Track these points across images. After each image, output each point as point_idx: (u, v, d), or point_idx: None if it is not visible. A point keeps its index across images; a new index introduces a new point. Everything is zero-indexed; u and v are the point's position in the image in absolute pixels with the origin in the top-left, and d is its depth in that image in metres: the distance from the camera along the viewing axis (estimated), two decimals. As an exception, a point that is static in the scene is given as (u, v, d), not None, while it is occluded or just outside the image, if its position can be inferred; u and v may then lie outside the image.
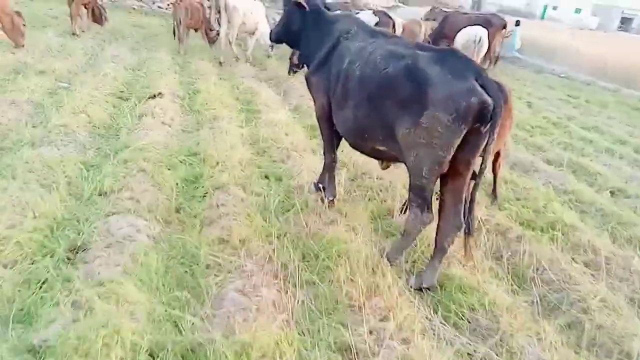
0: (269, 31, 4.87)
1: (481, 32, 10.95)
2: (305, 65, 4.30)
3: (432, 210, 3.26)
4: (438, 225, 3.29)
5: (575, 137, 8.11)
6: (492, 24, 12.66)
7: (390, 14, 11.23)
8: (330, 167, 4.19)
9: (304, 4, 3.88)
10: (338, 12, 4.44)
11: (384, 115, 3.22)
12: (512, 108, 4.48)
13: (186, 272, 3.08)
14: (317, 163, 4.84)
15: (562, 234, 4.20)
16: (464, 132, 2.90)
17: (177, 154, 4.84)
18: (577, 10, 51.86)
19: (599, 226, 4.65)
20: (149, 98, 6.44)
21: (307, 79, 4.11)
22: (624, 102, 12.06)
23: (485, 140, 2.94)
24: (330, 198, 4.15)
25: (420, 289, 3.25)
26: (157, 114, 5.84)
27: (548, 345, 2.79)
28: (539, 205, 4.81)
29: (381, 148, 3.44)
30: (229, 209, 3.82)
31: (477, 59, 11.13)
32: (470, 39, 11.06)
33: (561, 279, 3.51)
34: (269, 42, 10.69)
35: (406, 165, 3.26)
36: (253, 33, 10.55)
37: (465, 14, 14.72)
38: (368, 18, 9.53)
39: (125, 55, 9.08)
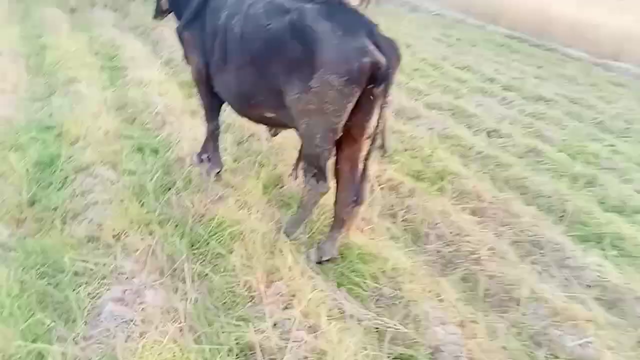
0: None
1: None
2: (174, 14, 3.70)
3: (328, 178, 3.06)
4: (336, 194, 3.12)
5: (450, 77, 8.41)
6: None
7: None
8: (213, 135, 3.74)
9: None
10: None
11: (269, 79, 2.88)
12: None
13: (49, 285, 2.57)
14: (198, 129, 4.36)
15: (450, 184, 4.31)
16: (357, 95, 2.66)
17: (24, 131, 4.04)
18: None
19: (480, 170, 4.87)
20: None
21: (178, 35, 3.54)
22: (491, 40, 12.82)
23: (380, 103, 2.72)
24: (217, 170, 3.76)
25: (320, 262, 3.10)
26: (-7, 79, 4.84)
27: (449, 306, 2.84)
28: (426, 154, 4.90)
29: (269, 115, 3.13)
30: (97, 196, 3.27)
31: (354, -2, 10.96)
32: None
33: (453, 231, 3.60)
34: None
35: (298, 133, 2.99)
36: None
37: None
38: None
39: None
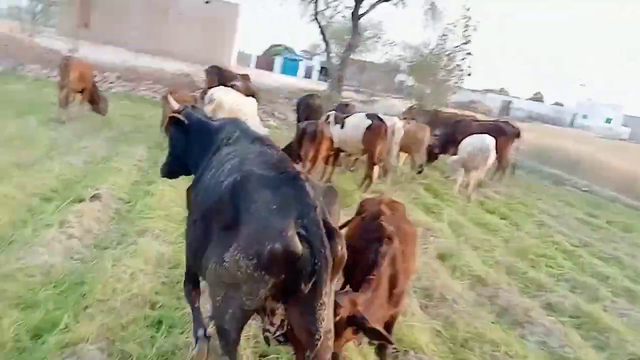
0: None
1: (488, 140, 10.08)
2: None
3: None
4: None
5: (588, 271, 6.79)
6: (504, 132, 11.91)
7: (384, 116, 10.46)
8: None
9: (182, 117, 3.07)
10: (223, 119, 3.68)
11: (209, 237, 2.55)
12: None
13: None
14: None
15: None
16: (271, 283, 2.23)
17: (49, 286, 3.85)
18: (608, 120, 51.50)
19: None
20: (80, 201, 5.67)
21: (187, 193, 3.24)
22: (653, 226, 10.67)
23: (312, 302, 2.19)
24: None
25: None
26: (71, 223, 4.99)
27: None
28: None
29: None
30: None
31: (484, 168, 10.21)
32: (476, 148, 10.18)
33: None
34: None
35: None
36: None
37: (477, 121, 14.02)
38: (358, 121, 8.82)
39: (97, 147, 8.54)
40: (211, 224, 2.53)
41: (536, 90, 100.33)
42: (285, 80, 31.15)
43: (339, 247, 2.26)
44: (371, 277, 2.82)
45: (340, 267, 2.37)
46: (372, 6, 24.39)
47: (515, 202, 10.88)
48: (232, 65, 29.71)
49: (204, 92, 10.82)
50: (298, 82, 32.85)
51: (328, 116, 8.75)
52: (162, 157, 8.36)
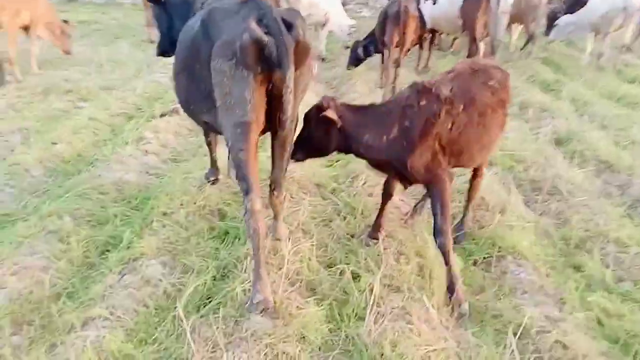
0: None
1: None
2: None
3: (253, 190, 2.62)
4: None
5: None
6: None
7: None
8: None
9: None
10: None
11: (196, 80, 2.79)
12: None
13: None
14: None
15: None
16: (251, 79, 2.47)
17: (124, 200, 3.84)
18: None
19: None
20: (161, 115, 5.64)
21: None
22: None
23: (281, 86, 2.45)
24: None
25: None
26: (148, 139, 4.96)
27: None
28: None
29: (206, 119, 3.00)
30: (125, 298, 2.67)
31: (629, 34, 8.33)
32: (615, 6, 8.16)
33: None
34: (346, 33, 9.33)
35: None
36: (324, 25, 9.20)
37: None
38: None
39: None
40: (194, 64, 2.75)
41: None
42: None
43: (300, 33, 2.48)
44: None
45: (305, 53, 2.63)
46: None
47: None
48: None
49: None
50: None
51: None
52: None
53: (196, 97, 2.88)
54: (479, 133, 2.89)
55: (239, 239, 3.39)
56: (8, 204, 3.78)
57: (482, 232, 3.41)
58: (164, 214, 3.61)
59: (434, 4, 7.62)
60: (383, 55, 6.88)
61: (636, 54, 9.80)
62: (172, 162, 4.78)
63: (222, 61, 2.46)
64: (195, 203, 3.76)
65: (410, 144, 2.72)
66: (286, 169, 3.13)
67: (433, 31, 8.10)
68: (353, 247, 3.29)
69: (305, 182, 4.18)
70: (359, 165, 4.33)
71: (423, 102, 2.77)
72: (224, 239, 3.47)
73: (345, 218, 3.69)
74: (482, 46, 7.75)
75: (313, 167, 4.46)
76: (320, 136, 2.91)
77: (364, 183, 4.08)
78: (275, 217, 3.26)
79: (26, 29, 7.02)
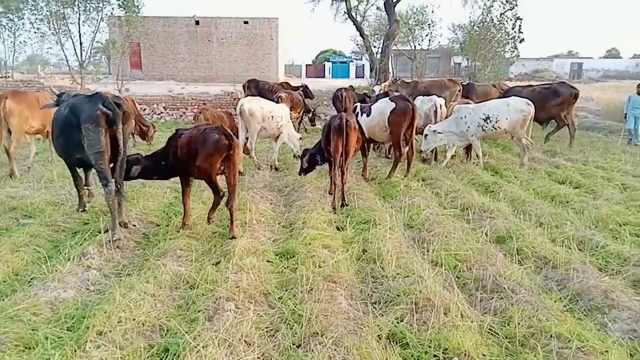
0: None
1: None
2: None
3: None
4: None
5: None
6: (559, 94, 10.87)
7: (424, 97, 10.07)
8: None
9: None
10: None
11: (72, 135, 5.34)
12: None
13: None
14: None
15: None
16: (104, 133, 5.12)
17: (58, 321, 3.62)
18: None
19: None
20: (105, 231, 5.54)
21: None
22: None
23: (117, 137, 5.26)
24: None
25: None
26: (91, 255, 4.82)
27: None
28: None
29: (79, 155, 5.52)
30: None
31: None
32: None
33: None
34: (296, 144, 9.82)
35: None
36: (277, 137, 9.70)
37: (530, 86, 12.92)
38: (383, 106, 8.31)
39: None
40: (68, 129, 5.37)
41: (610, 46, 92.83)
42: (336, 84, 30.75)
43: (124, 108, 5.28)
44: None
45: (127, 117, 5.51)
46: (406, -8, 23.47)
47: (591, 167, 9.65)
48: (281, 79, 29.84)
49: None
50: (349, 83, 32.33)
51: (355, 107, 8.20)
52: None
53: (71, 145, 5.43)
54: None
55: (179, 356, 3.22)
56: None
57: (427, 334, 3.39)
58: (100, 333, 3.41)
59: (367, 116, 8.35)
60: (330, 163, 7.24)
61: (564, 156, 10.73)
62: (115, 277, 4.63)
63: (89, 124, 5.04)
64: (134, 319, 3.59)
65: None
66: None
67: (371, 140, 8.75)
68: (299, 359, 3.18)
69: (252, 291, 4.12)
70: (305, 271, 4.35)
71: None
72: (164, 356, 3.29)
73: (291, 327, 3.60)
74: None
75: (262, 275, 4.44)
76: None
77: (310, 289, 4.06)
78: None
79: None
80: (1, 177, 8.20)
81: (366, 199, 7.14)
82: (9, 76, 23.75)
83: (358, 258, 5.04)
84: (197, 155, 5.37)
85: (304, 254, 4.87)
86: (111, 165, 5.32)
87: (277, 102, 12.04)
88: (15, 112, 8.05)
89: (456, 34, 33.66)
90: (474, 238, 5.46)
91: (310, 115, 14.87)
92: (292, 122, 15.23)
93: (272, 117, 9.29)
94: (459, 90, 13.49)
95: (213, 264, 4.75)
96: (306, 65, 57.89)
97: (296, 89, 15.16)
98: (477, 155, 9.64)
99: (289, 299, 4.02)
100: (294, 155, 10.01)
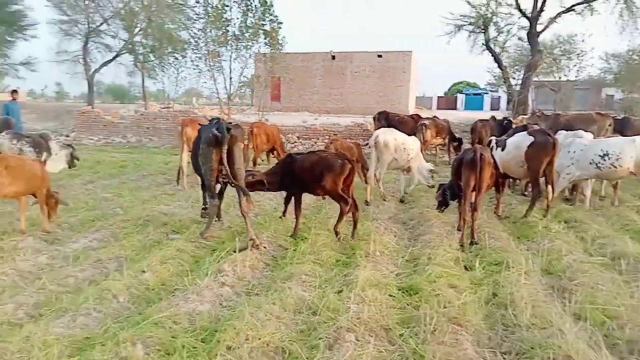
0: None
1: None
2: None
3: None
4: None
5: None
6: None
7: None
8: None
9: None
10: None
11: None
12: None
13: None
14: None
15: None
16: (215, 153, 6.12)
17: (194, 331, 3.95)
18: None
19: None
20: (240, 250, 5.94)
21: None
22: None
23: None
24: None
25: None
26: (226, 272, 5.21)
27: None
28: None
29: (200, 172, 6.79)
30: None
31: None
32: None
33: None
34: (427, 176, 9.64)
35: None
36: (407, 169, 9.64)
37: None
38: (520, 140, 7.74)
39: (270, 199, 9.12)
40: (196, 152, 6.54)
41: None
42: (469, 116, 29.75)
43: (232, 133, 6.05)
44: None
45: (236, 141, 6.15)
46: (552, 20, 21.94)
47: None
48: (411, 110, 29.81)
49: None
50: (483, 115, 31.08)
51: (490, 141, 7.79)
52: (320, 200, 8.63)
53: (197, 162, 6.51)
54: None
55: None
56: (91, 328, 4.04)
57: (568, 397, 3.01)
58: (229, 348, 3.63)
59: (503, 150, 7.85)
60: (460, 199, 6.94)
61: None
62: (245, 295, 4.92)
63: (204, 144, 6.16)
64: (259, 339, 3.77)
65: None
66: (244, 192, 6.19)
67: (506, 175, 8.19)
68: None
69: (373, 324, 4.06)
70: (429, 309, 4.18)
71: None
72: (284, 379, 3.38)
73: (412, 367, 3.47)
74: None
75: (383, 309, 4.37)
76: None
77: (434, 330, 3.88)
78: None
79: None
80: (159, 194, 9.32)
81: (498, 238, 6.68)
82: (170, 107, 27.19)
83: (487, 302, 4.70)
84: (323, 176, 6.42)
85: (428, 292, 4.69)
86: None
87: (422, 129, 11.98)
88: (192, 137, 9.44)
89: (609, 64, 30.47)
90: (627, 292, 4.77)
91: (455, 143, 14.61)
92: (436, 147, 15.26)
93: (404, 148, 9.28)
94: (610, 125, 12.11)
95: (335, 292, 4.80)
96: (437, 97, 57.06)
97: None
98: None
99: (411, 337, 3.89)
100: (429, 186, 9.77)
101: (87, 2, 30.47)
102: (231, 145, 6.02)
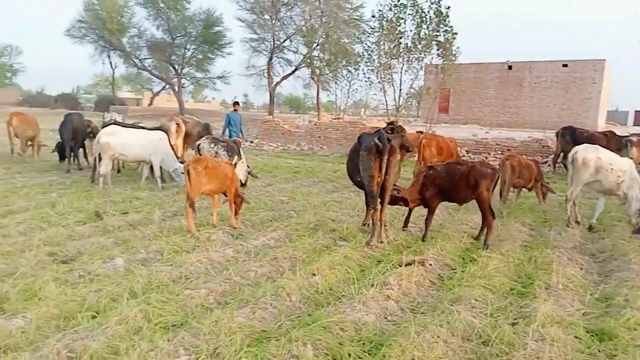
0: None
1: None
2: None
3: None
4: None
5: None
6: None
7: None
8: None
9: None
10: None
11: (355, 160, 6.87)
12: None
13: None
14: None
15: None
16: (374, 162, 6.43)
17: (360, 341, 3.98)
18: None
19: None
20: (406, 265, 5.87)
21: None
22: None
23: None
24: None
25: None
26: (391, 285, 5.18)
27: None
28: None
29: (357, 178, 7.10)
30: None
31: None
32: None
33: None
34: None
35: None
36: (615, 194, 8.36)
37: None
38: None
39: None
40: (354, 158, 7.01)
41: None
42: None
43: (392, 143, 6.39)
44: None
45: (395, 152, 6.49)
46: None
47: None
48: (600, 126, 26.39)
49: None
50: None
51: None
52: (498, 224, 8.01)
53: (354, 168, 6.93)
54: None
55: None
56: (268, 322, 4.36)
57: None
58: (395, 365, 3.59)
59: None
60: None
61: None
62: (410, 312, 4.82)
63: (364, 152, 6.47)
64: (426, 361, 3.64)
65: None
66: (387, 202, 6.81)
67: None
68: None
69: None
70: None
71: None
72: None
73: None
74: None
75: (568, 352, 3.86)
76: None
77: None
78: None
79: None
80: (328, 201, 9.77)
81: None
82: (340, 117, 28.48)
83: None
84: (478, 185, 6.85)
85: (627, 340, 4.01)
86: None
87: (626, 145, 10.53)
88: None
89: None
90: None
91: None
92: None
93: (612, 169, 8.07)
94: None
95: (509, 324, 4.40)
96: (635, 111, 49.29)
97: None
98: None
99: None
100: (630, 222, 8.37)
101: (274, 22, 33.81)
102: (389, 156, 6.38)
